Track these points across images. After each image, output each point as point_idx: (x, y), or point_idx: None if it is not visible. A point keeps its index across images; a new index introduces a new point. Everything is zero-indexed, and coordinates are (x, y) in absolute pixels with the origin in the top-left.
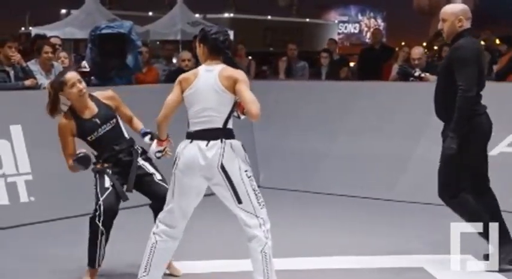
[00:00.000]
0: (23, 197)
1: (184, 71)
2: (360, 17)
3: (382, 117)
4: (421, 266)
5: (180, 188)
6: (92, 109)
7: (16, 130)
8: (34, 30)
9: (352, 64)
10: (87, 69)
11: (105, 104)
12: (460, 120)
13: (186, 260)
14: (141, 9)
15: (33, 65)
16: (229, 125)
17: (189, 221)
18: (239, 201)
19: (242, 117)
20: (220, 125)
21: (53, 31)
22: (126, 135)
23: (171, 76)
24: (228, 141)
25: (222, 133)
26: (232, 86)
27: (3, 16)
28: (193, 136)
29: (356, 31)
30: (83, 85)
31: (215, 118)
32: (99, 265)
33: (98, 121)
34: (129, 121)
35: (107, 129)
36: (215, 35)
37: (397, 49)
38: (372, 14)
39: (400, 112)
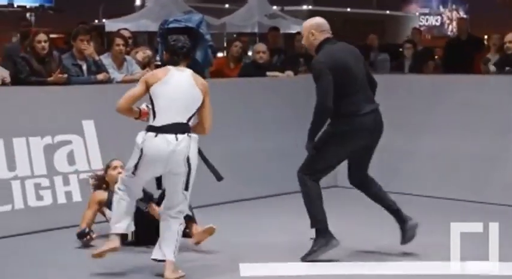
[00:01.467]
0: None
1: (259, 64)
2: (441, 9)
3: (470, 113)
4: None
5: (144, 171)
6: None
7: (88, 126)
8: (108, 23)
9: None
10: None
11: None
12: (313, 126)
13: (273, 262)
14: (218, 1)
15: (105, 58)
16: (190, 123)
17: (268, 220)
18: (186, 188)
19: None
20: (185, 120)
21: (127, 23)
22: None
23: (245, 70)
24: (193, 136)
25: (188, 128)
26: (203, 93)
27: (76, 8)
28: (160, 129)
29: (438, 23)
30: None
31: (184, 113)
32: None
33: None
34: None
35: None
36: (174, 42)
37: (485, 37)
38: (454, 6)
39: (492, 107)
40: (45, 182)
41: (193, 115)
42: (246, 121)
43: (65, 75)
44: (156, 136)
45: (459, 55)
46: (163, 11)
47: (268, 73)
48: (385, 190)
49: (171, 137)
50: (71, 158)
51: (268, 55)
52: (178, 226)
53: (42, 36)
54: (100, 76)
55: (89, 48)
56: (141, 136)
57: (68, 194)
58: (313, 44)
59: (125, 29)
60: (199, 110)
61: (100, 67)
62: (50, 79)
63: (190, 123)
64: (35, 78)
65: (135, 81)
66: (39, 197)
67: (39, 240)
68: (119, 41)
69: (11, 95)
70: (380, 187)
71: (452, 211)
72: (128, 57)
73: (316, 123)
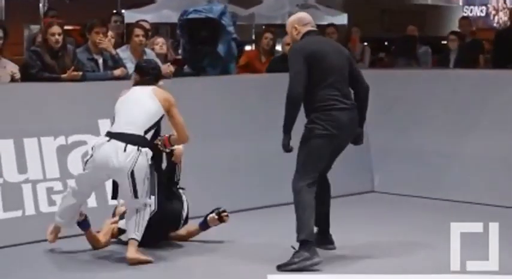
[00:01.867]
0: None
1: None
2: None
3: None
4: None
5: (89, 171)
6: None
7: (105, 125)
8: (127, 14)
9: None
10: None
11: None
12: (285, 118)
13: (302, 273)
14: None
15: (123, 52)
16: (149, 135)
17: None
18: (136, 196)
19: (167, 150)
20: (141, 132)
21: (147, 14)
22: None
23: (274, 64)
24: (143, 150)
25: (142, 141)
26: (166, 106)
27: None
28: (112, 135)
29: (483, 14)
30: None
31: (139, 125)
32: None
33: None
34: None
35: None
36: (145, 63)
37: None
38: None
39: None
40: (58, 186)
41: (150, 128)
42: (273, 121)
43: (80, 73)
44: (108, 141)
45: (510, 48)
46: (186, 1)
47: None
48: (427, 195)
49: (121, 145)
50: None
51: None
52: (139, 205)
53: (56, 28)
54: (117, 72)
55: (105, 42)
56: (96, 139)
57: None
58: (297, 39)
59: (144, 20)
60: (171, 124)
61: (117, 62)
62: (63, 76)
63: (147, 136)
64: (47, 74)
65: None
66: (52, 203)
67: (51, 249)
68: (138, 31)
69: (21, 92)
70: (329, 197)
71: (497, 219)
72: (148, 50)
73: (287, 113)
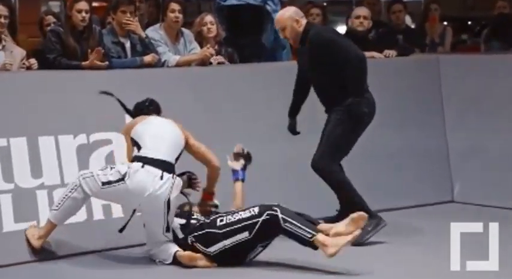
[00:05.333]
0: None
1: (356, 34)
2: None
3: None
4: None
5: (113, 194)
6: None
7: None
8: None
9: None
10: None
11: None
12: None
13: None
14: None
15: (155, 32)
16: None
17: None
18: (167, 230)
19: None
20: (173, 160)
21: None
22: None
23: None
24: (178, 179)
25: (174, 169)
26: (185, 135)
27: None
28: (146, 161)
29: None
30: None
31: (171, 152)
32: None
33: None
34: None
35: None
36: (142, 101)
37: None
38: None
39: None
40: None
41: (178, 157)
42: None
43: (105, 63)
44: (142, 167)
45: None
46: None
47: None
48: (488, 204)
49: (157, 172)
50: (110, 162)
51: (370, 24)
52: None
53: (83, 4)
54: (147, 58)
55: (133, 23)
56: (126, 165)
57: (107, 209)
58: (299, 32)
59: None
60: (194, 154)
61: (147, 47)
62: (84, 63)
63: (176, 165)
64: (66, 61)
65: (193, 62)
66: None
67: (71, 266)
68: (174, 6)
69: (36, 82)
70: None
71: None
72: (185, 30)
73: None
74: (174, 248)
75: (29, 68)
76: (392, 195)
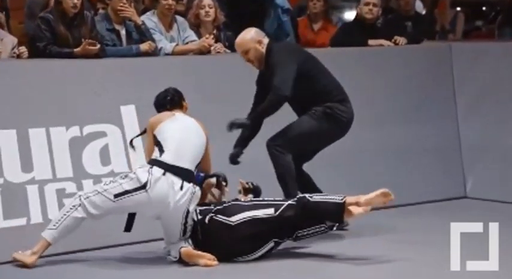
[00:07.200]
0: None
1: (364, 21)
2: None
3: None
4: None
5: (129, 204)
6: None
7: (128, 113)
8: None
9: None
10: None
11: None
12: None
13: None
14: None
15: (149, 19)
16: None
17: None
18: (184, 234)
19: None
20: (193, 168)
21: None
22: None
23: (344, 33)
24: (197, 189)
25: (193, 178)
26: (206, 136)
27: None
28: (169, 168)
29: None
30: None
31: (193, 160)
32: None
33: None
34: None
35: None
36: (162, 97)
37: None
38: None
39: None
40: (70, 187)
41: (199, 163)
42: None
43: (98, 47)
44: (164, 174)
45: None
46: None
47: (370, 41)
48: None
49: (177, 181)
50: (105, 156)
51: (379, 12)
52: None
53: None
54: (144, 46)
55: (129, 10)
56: (145, 170)
57: None
58: (263, 53)
59: None
60: (202, 160)
61: (144, 34)
62: (76, 50)
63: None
64: (57, 48)
65: (191, 52)
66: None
67: (63, 266)
68: None
69: (26, 71)
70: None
71: None
72: (179, 18)
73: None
74: (182, 244)
75: (19, 57)
76: (402, 191)
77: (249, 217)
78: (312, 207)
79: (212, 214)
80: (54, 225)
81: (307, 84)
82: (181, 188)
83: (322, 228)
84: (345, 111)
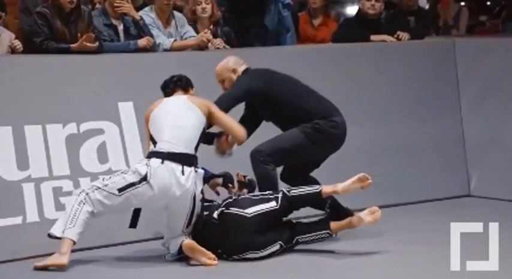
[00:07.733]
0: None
1: (367, 17)
2: None
3: None
4: None
5: (134, 198)
6: None
7: (126, 109)
8: None
9: None
10: None
11: None
12: None
13: None
14: None
15: (146, 15)
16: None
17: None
18: (187, 226)
19: (231, 151)
20: (192, 151)
21: None
22: None
23: (345, 28)
24: (200, 171)
25: (195, 161)
26: (205, 111)
27: None
28: (164, 156)
29: None
30: None
31: (189, 143)
32: None
33: None
34: None
35: None
36: (169, 78)
37: None
38: None
39: None
40: (67, 185)
41: (198, 143)
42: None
43: (96, 44)
44: (162, 162)
45: None
46: None
47: (372, 37)
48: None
49: (176, 167)
50: (102, 153)
51: (382, 8)
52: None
53: None
54: (142, 42)
55: (126, 5)
56: (143, 164)
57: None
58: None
59: None
60: (219, 125)
61: (142, 30)
62: (73, 46)
63: (197, 153)
64: (54, 44)
65: (189, 47)
66: (60, 207)
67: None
68: None
69: (22, 67)
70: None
71: None
72: (177, 14)
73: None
74: (183, 238)
75: (13, 51)
76: (405, 189)
77: (263, 209)
78: (295, 200)
79: (223, 208)
80: (70, 223)
81: (281, 106)
82: (183, 172)
83: (323, 234)
84: (334, 126)
